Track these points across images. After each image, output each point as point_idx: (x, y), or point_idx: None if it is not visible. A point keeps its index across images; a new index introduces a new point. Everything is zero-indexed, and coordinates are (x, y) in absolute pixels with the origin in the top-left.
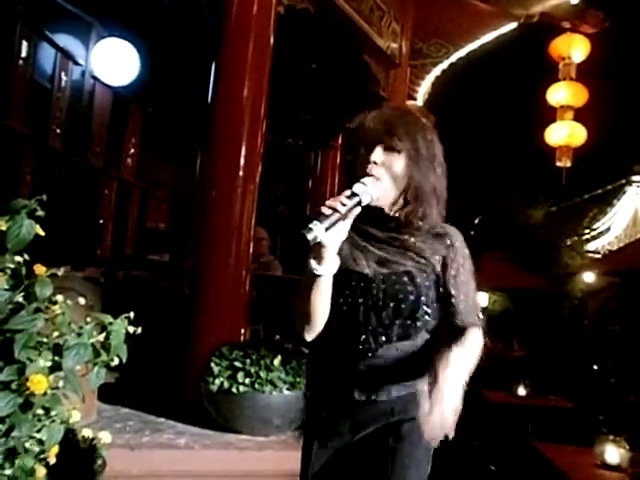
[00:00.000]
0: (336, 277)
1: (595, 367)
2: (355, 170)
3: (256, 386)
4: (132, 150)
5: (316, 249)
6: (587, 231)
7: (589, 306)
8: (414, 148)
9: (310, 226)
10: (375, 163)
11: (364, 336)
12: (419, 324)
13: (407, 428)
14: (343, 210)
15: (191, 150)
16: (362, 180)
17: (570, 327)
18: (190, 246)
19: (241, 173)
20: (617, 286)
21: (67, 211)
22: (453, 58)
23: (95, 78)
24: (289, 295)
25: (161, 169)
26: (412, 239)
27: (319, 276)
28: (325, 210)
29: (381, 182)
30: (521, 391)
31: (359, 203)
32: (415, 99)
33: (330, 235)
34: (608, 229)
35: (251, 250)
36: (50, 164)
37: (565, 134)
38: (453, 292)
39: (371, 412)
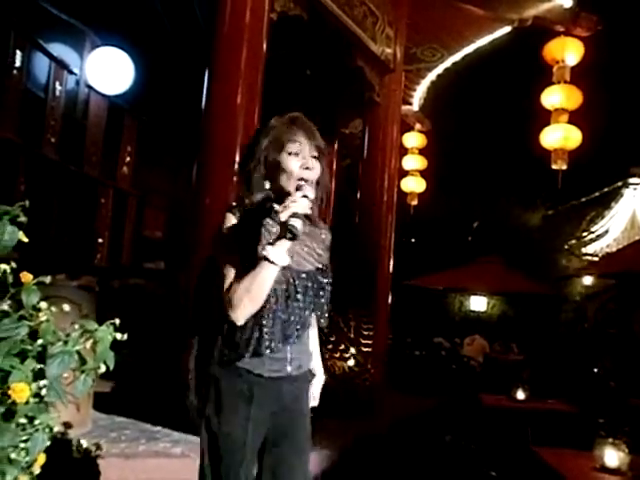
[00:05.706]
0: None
1: (595, 370)
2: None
3: None
4: (128, 159)
5: (290, 243)
6: (585, 234)
7: (588, 309)
8: (324, 154)
9: (294, 223)
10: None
11: (299, 324)
12: (323, 314)
13: (309, 390)
14: (308, 210)
15: (188, 158)
16: (304, 187)
17: (569, 330)
18: (185, 254)
19: (235, 180)
20: (616, 288)
21: (63, 220)
22: (448, 62)
23: (90, 87)
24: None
25: (158, 177)
26: (323, 235)
27: (277, 266)
28: (297, 208)
29: (313, 187)
30: (520, 395)
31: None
32: (411, 104)
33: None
34: (606, 232)
35: None
36: (45, 173)
37: (560, 137)
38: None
39: (300, 381)
